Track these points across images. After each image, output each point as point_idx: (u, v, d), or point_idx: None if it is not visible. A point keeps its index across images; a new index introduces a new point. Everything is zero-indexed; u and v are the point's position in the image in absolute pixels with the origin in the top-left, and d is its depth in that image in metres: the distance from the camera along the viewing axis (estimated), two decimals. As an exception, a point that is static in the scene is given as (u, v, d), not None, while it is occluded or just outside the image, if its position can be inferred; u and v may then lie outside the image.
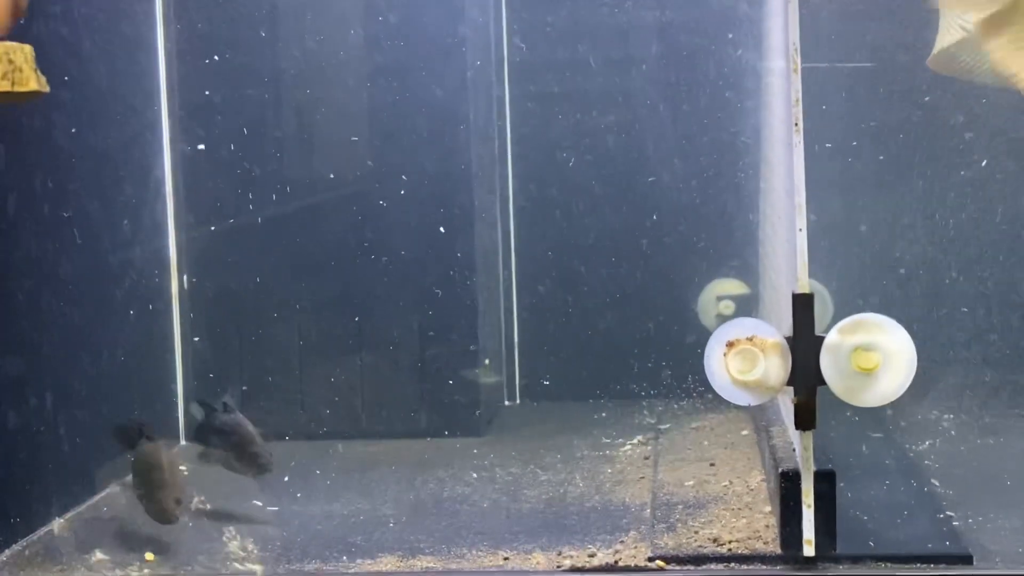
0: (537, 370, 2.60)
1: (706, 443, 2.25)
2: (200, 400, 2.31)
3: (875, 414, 1.94)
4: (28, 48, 1.40)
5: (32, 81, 1.37)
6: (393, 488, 2.12)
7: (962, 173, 2.39)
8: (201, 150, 2.41)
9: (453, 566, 1.74)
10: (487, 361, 2.48)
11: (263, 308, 2.46)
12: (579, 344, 2.56)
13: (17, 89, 1.37)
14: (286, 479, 2.19)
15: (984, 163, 2.36)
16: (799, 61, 1.72)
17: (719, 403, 2.23)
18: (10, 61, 1.34)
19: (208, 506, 2.05)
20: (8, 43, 1.37)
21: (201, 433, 2.22)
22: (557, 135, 2.58)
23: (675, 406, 2.44)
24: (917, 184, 2.38)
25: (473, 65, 2.46)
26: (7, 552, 1.82)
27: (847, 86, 2.36)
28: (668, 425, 2.35)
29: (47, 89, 1.42)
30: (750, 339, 1.67)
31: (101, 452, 2.15)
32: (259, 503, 2.08)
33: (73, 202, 2.02)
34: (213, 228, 2.43)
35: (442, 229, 2.40)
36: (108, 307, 2.20)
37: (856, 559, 1.66)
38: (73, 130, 2.04)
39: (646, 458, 2.21)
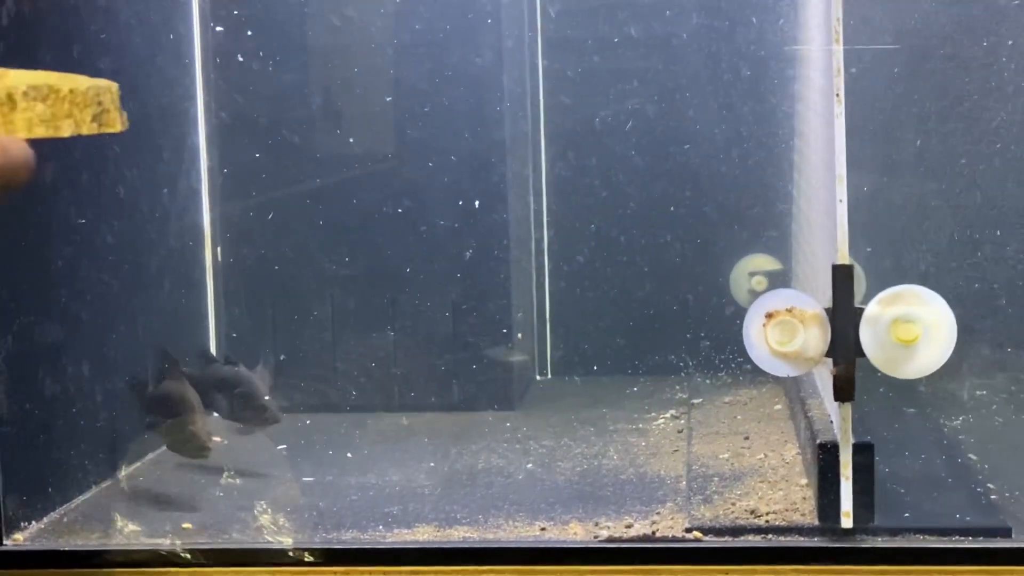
0: (569, 344, 2.60)
1: (739, 417, 2.25)
2: (202, 351, 2.32)
3: (909, 389, 1.92)
4: (115, 87, 1.34)
5: (117, 123, 1.33)
6: (428, 460, 2.12)
7: (991, 149, 2.37)
8: (235, 120, 2.41)
9: (490, 536, 1.74)
10: (519, 335, 2.47)
11: (298, 281, 2.46)
12: (610, 319, 2.56)
13: (103, 131, 1.32)
14: (323, 451, 2.19)
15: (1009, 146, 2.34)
16: (841, 31, 1.69)
17: (751, 378, 2.31)
18: (99, 103, 1.29)
19: (238, 480, 2.06)
20: (99, 82, 1.31)
21: (201, 385, 2.17)
22: (592, 106, 2.57)
23: (707, 381, 2.44)
24: (946, 163, 2.38)
25: (510, 35, 2.46)
26: (45, 519, 1.83)
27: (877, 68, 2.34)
28: (700, 399, 2.35)
29: (127, 127, 1.37)
30: (789, 310, 1.66)
31: (138, 421, 2.15)
32: (292, 475, 2.09)
33: (112, 171, 2.03)
34: (248, 199, 2.43)
35: (476, 203, 2.41)
36: (145, 276, 2.21)
37: (894, 531, 1.66)
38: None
39: (679, 431, 2.21)
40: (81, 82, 1.28)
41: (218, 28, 2.37)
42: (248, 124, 2.41)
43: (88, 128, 1.28)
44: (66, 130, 1.24)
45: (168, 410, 2.01)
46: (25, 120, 1.22)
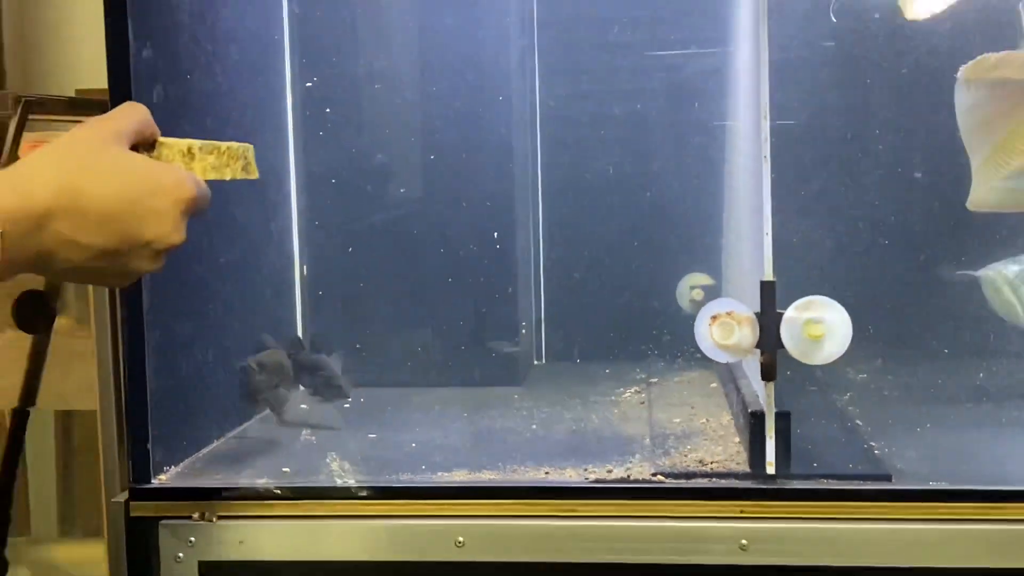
0: (559, 337, 2.58)
1: (686, 392, 2.25)
2: (293, 340, 2.30)
3: (810, 373, 1.91)
4: (252, 148, 1.38)
5: (255, 172, 1.37)
6: (459, 423, 2.13)
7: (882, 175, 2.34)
8: (318, 173, 2.42)
9: (509, 477, 1.77)
10: (523, 331, 2.47)
11: (360, 294, 2.45)
12: (590, 318, 2.54)
13: (248, 177, 1.36)
14: (380, 416, 2.19)
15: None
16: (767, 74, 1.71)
17: (694, 364, 2.28)
18: (245, 158, 1.34)
19: (314, 439, 2.06)
20: (245, 144, 1.36)
21: (294, 365, 2.21)
22: (579, 162, 2.55)
23: (662, 365, 2.41)
24: (846, 190, 2.35)
25: (518, 112, 2.45)
26: (181, 465, 1.86)
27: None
28: (657, 379, 2.34)
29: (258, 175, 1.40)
30: (729, 314, 1.72)
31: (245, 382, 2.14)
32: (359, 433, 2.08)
33: (230, 208, 2.04)
34: (326, 232, 2.45)
35: (495, 235, 2.40)
36: (252, 287, 2.21)
37: (805, 476, 1.69)
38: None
39: (642, 403, 2.21)
40: (234, 144, 1.34)
41: (307, 113, 2.40)
42: (326, 175, 2.42)
43: (240, 175, 1.34)
44: (227, 175, 1.31)
45: (269, 370, 2.07)
46: (201, 167, 1.26)
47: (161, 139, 1.23)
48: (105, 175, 1.09)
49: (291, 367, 2.14)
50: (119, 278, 1.14)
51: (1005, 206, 1.98)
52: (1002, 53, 1.91)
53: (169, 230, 1.12)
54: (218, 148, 1.29)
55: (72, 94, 3.88)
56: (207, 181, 1.27)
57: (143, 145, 1.20)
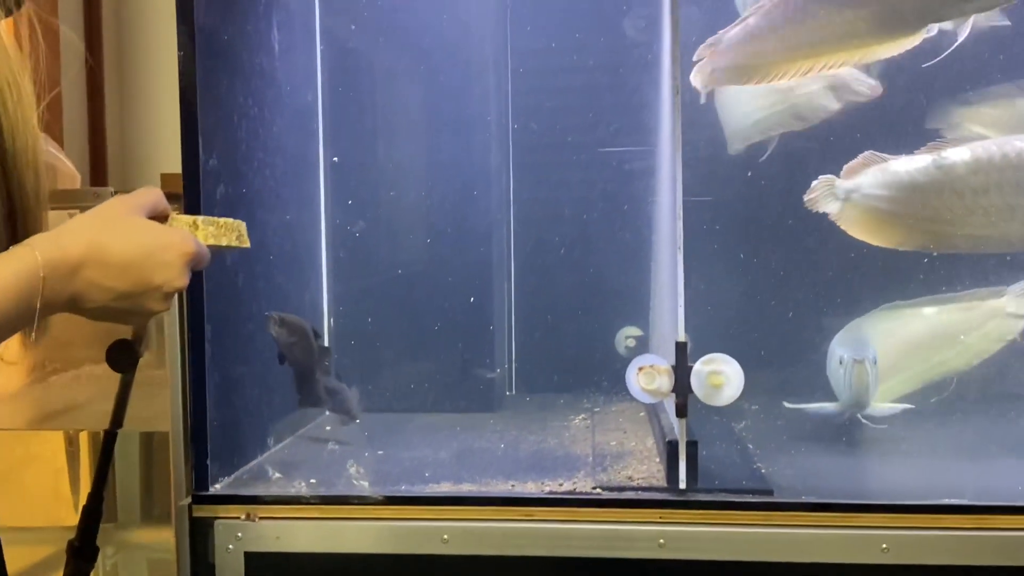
0: (526, 372, 2.55)
1: (621, 420, 2.22)
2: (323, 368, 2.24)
3: (717, 408, 1.84)
4: (244, 224, 1.32)
5: (247, 242, 1.32)
6: (446, 442, 2.09)
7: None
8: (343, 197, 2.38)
9: (483, 488, 1.76)
10: (498, 369, 2.44)
11: (371, 335, 2.39)
12: (551, 358, 2.51)
13: (240, 246, 1.31)
14: (383, 435, 2.17)
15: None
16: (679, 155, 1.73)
17: (627, 397, 2.13)
18: (238, 231, 1.29)
19: (338, 448, 2.05)
20: (238, 221, 1.31)
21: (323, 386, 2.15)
22: (545, 206, 2.50)
23: (602, 397, 2.38)
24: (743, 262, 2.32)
25: (495, 154, 2.41)
26: (231, 476, 1.85)
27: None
28: (599, 409, 2.31)
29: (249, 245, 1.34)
30: (652, 366, 1.73)
31: (288, 412, 2.13)
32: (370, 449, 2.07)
33: (272, 228, 2.04)
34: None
35: (473, 293, 2.37)
36: (282, 304, 2.14)
37: (708, 490, 1.69)
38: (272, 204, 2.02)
39: (588, 427, 2.20)
40: (230, 220, 1.29)
41: (335, 159, 2.36)
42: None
43: (234, 243, 1.29)
44: (223, 243, 1.26)
45: (288, 327, 2.00)
46: (203, 235, 1.22)
47: (172, 215, 1.22)
48: (125, 234, 1.11)
49: (312, 336, 2.03)
50: (137, 316, 1.15)
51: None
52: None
53: (175, 276, 1.13)
54: (216, 222, 1.25)
55: (158, 176, 3.89)
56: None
57: (157, 219, 1.20)
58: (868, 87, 2.10)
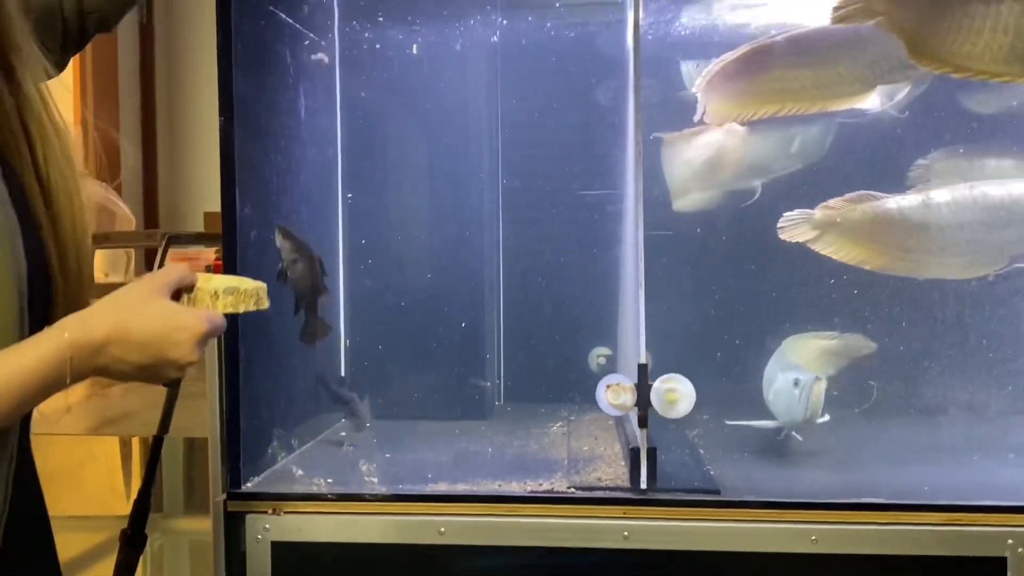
0: (513, 384, 2.51)
1: (592, 428, 2.20)
2: (338, 379, 2.29)
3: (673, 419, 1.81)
4: (264, 286, 1.27)
5: (265, 304, 1.27)
6: (444, 446, 2.07)
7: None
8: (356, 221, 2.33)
9: (475, 487, 1.75)
10: (488, 383, 2.42)
11: (380, 352, 2.37)
12: (534, 372, 2.47)
13: (259, 308, 1.26)
14: (389, 439, 2.14)
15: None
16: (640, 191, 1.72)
17: (598, 408, 2.11)
18: (257, 295, 1.25)
19: (353, 450, 2.04)
20: (259, 283, 1.26)
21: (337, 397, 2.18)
22: (521, 256, 2.45)
23: (577, 407, 2.35)
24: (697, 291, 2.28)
25: (486, 190, 2.38)
26: (261, 476, 1.83)
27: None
28: (575, 418, 2.28)
29: (268, 305, 1.28)
30: (618, 384, 1.73)
31: (308, 418, 2.11)
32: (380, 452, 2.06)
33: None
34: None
35: (471, 316, 2.34)
36: (311, 358, 2.16)
37: (665, 490, 1.69)
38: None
39: (564, 434, 2.18)
40: (250, 287, 1.25)
41: (349, 196, 2.34)
42: (363, 238, 2.35)
43: (252, 308, 1.25)
44: (241, 310, 1.23)
45: (294, 242, 1.89)
46: (223, 304, 1.20)
47: (198, 285, 1.20)
48: (146, 316, 1.11)
49: (317, 263, 1.92)
50: (157, 379, 1.16)
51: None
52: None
53: (187, 353, 1.13)
54: (237, 290, 1.22)
55: (202, 214, 3.89)
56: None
57: (185, 288, 1.19)
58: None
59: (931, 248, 1.92)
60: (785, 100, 1.91)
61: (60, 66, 1.57)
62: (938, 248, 1.92)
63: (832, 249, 1.97)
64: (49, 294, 1.17)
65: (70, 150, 1.21)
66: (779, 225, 1.99)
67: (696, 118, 2.00)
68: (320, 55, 2.07)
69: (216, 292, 1.20)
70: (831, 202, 1.97)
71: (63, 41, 1.53)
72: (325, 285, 1.95)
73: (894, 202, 1.94)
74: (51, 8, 1.51)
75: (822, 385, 1.89)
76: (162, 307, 1.13)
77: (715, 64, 1.96)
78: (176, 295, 1.19)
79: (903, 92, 1.96)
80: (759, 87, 1.92)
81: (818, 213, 1.98)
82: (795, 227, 1.99)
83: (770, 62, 1.92)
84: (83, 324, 1.09)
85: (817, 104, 1.92)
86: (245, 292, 1.23)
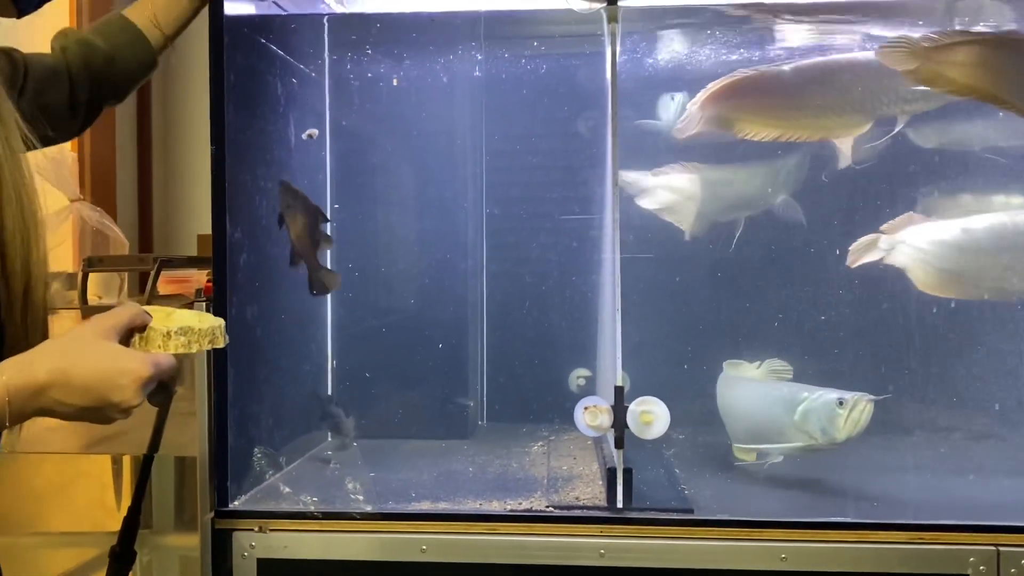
0: (495, 405, 2.50)
1: (571, 447, 2.19)
2: (328, 397, 2.28)
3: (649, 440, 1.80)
4: (222, 323, 1.24)
5: (220, 342, 1.25)
6: (427, 466, 2.06)
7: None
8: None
9: (456, 506, 1.75)
10: (472, 402, 2.41)
11: (365, 375, 2.35)
12: (516, 394, 2.45)
13: (213, 347, 1.23)
14: (373, 458, 2.13)
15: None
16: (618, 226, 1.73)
17: (578, 429, 2.11)
18: (213, 334, 1.22)
19: (339, 469, 2.02)
20: (216, 320, 1.23)
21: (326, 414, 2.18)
22: (503, 278, 2.44)
23: (556, 427, 2.33)
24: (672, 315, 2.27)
25: (472, 229, 2.39)
26: (248, 494, 1.82)
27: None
28: (554, 437, 2.28)
29: (227, 342, 1.26)
30: (595, 406, 1.73)
31: (296, 436, 2.08)
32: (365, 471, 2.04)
33: (288, 328, 1.99)
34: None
35: (455, 339, 2.34)
36: (299, 380, 2.15)
37: (641, 509, 1.69)
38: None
39: (544, 453, 2.17)
40: (205, 325, 1.22)
41: (335, 205, 2.31)
42: (350, 263, 2.33)
43: (206, 347, 1.22)
44: (194, 350, 1.20)
45: (292, 195, 1.92)
46: (174, 345, 1.18)
47: (152, 325, 1.17)
48: (88, 360, 1.10)
49: (315, 212, 1.92)
50: (102, 420, 1.14)
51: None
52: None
53: (129, 397, 1.11)
54: (190, 330, 1.19)
55: (195, 237, 3.88)
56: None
57: (137, 328, 1.17)
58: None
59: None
60: (787, 127, 1.91)
61: (68, 133, 1.57)
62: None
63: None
64: (1, 336, 1.17)
65: (36, 209, 1.20)
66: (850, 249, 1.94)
67: (689, 130, 1.98)
68: (311, 132, 2.09)
69: (168, 332, 1.16)
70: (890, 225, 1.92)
71: (70, 103, 1.54)
72: (327, 234, 1.93)
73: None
74: (57, 71, 1.53)
75: (871, 406, 1.79)
76: (105, 351, 1.11)
77: (725, 78, 1.96)
78: (129, 335, 1.16)
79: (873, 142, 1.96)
80: (765, 110, 1.92)
81: (884, 237, 1.93)
82: (863, 249, 1.94)
83: (779, 88, 1.93)
84: (23, 367, 1.08)
85: (819, 133, 1.92)
86: (199, 332, 1.19)
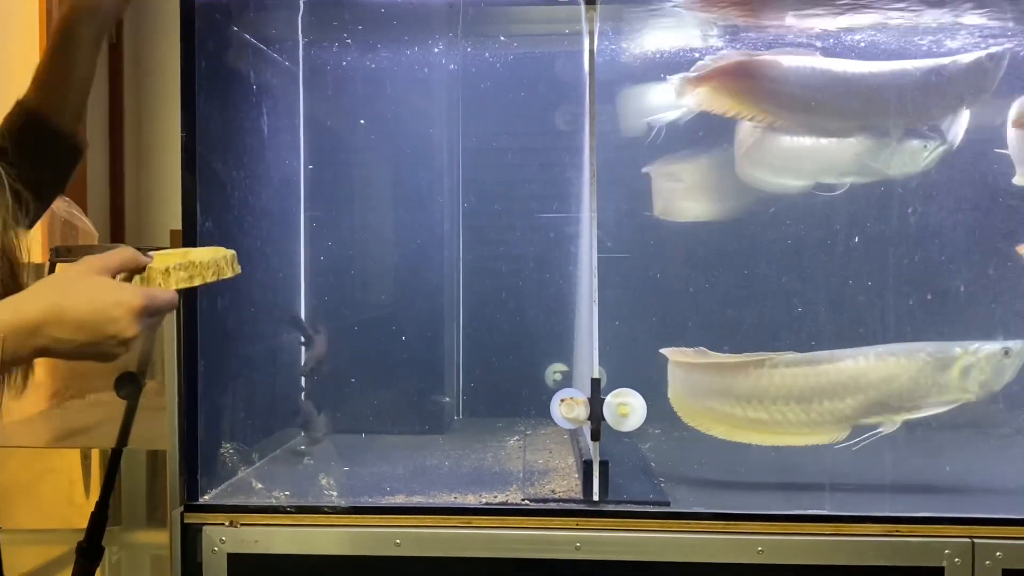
0: (471, 400, 2.49)
1: (547, 441, 2.19)
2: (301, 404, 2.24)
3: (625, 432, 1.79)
4: (231, 253, 1.21)
5: (228, 273, 1.20)
6: (402, 460, 2.04)
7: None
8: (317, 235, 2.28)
9: (431, 499, 1.73)
10: (447, 398, 2.40)
11: (342, 369, 2.32)
12: (491, 388, 2.45)
13: (220, 278, 1.19)
14: (348, 452, 2.11)
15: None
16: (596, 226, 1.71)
17: (553, 422, 2.08)
18: (217, 265, 1.18)
19: (312, 463, 2.00)
20: (221, 251, 1.20)
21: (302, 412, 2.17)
22: (480, 275, 2.43)
23: (533, 421, 2.33)
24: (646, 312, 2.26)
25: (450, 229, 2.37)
26: (218, 488, 1.80)
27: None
28: (530, 432, 2.27)
29: (238, 272, 1.21)
30: (571, 398, 1.72)
31: (268, 431, 2.06)
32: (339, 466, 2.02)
33: (259, 320, 1.95)
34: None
35: (431, 335, 2.32)
36: (271, 373, 2.13)
37: (617, 502, 1.69)
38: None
39: (520, 447, 2.16)
40: (206, 256, 1.18)
41: (313, 224, 2.30)
42: (323, 255, 2.32)
43: (211, 279, 1.18)
44: (197, 282, 1.17)
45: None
46: (175, 281, 1.15)
47: (150, 264, 1.14)
48: (80, 295, 1.08)
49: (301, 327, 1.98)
50: (102, 356, 1.11)
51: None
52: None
53: (125, 328, 1.09)
54: (192, 264, 1.16)
55: (168, 232, 3.82)
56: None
57: (135, 271, 1.14)
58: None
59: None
60: (776, 117, 1.84)
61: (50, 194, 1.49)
62: None
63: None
64: None
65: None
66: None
67: (687, 105, 1.89)
68: None
69: (167, 269, 1.14)
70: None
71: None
72: (308, 336, 2.02)
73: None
74: None
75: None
76: (98, 284, 1.09)
77: (731, 54, 1.88)
78: (128, 279, 1.15)
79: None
80: (765, 95, 1.85)
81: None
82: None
83: (784, 77, 1.85)
84: (15, 307, 1.06)
85: (801, 131, 1.87)
86: (201, 264, 1.15)
